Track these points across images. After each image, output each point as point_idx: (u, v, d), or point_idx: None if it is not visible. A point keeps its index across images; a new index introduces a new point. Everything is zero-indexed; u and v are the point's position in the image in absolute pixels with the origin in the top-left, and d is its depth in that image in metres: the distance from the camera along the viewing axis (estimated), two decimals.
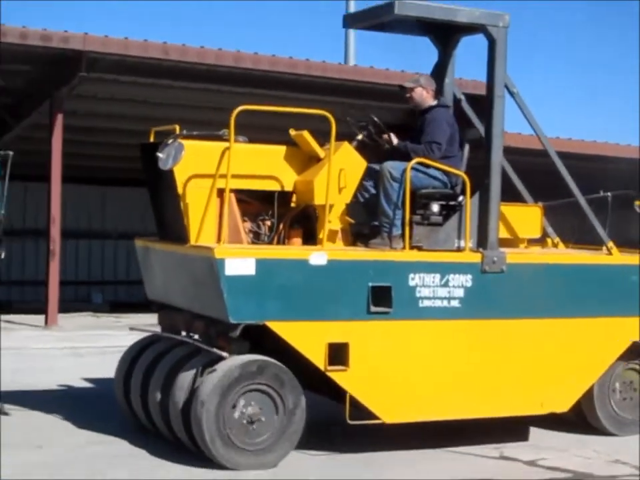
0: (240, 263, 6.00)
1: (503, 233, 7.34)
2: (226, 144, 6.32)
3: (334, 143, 6.32)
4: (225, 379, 5.96)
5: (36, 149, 15.96)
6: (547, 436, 7.40)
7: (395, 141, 6.89)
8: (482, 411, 6.72)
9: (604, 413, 7.33)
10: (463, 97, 7.52)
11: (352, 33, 21.29)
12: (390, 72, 15.27)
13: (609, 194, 7.84)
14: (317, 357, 6.18)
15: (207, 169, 6.34)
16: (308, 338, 6.16)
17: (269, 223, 6.73)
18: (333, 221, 6.65)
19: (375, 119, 6.91)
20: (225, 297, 5.94)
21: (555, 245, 7.82)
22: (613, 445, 7.23)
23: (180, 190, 6.37)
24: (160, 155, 6.18)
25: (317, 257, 6.19)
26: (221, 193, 6.43)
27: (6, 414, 7.46)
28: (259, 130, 7.37)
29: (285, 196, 6.72)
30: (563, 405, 6.99)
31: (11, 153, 7.50)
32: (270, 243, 6.62)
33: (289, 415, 6.14)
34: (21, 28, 13.43)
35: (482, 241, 6.72)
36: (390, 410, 6.43)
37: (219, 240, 6.40)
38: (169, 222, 6.85)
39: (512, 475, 6.44)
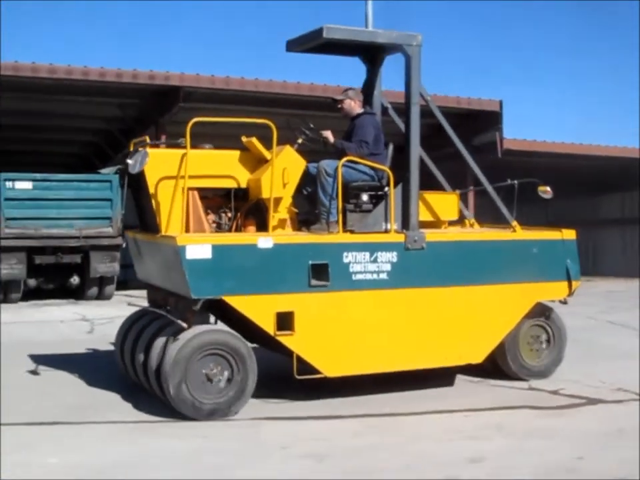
0: (198, 248, 6.72)
1: (426, 217, 8.10)
2: (195, 150, 7.03)
3: (275, 146, 6.96)
4: (185, 346, 6.69)
5: None
6: (561, 371, 8.43)
7: (331, 139, 7.56)
8: (409, 363, 7.51)
9: (514, 363, 8.04)
10: (389, 106, 8.23)
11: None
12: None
13: (515, 182, 8.46)
14: (267, 324, 6.92)
15: (171, 172, 7.02)
16: (259, 308, 6.90)
17: (229, 215, 7.36)
18: (280, 211, 7.37)
19: (311, 125, 7.55)
20: (186, 277, 6.66)
21: (471, 225, 8.48)
22: (615, 376, 8.40)
23: (151, 190, 7.07)
24: (129, 161, 6.84)
25: (264, 241, 6.90)
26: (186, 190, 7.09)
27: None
28: (224, 139, 7.96)
29: (240, 192, 7.40)
30: (477, 356, 7.77)
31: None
32: (229, 231, 7.26)
33: (243, 377, 6.84)
34: (132, 70, 15.97)
35: (405, 224, 7.39)
36: (331, 366, 7.19)
37: (186, 230, 7.03)
38: (146, 216, 7.48)
39: (541, 402, 7.40)
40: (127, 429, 6.54)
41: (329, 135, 7.61)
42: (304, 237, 7.21)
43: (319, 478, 5.37)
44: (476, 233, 8.11)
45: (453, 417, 7.02)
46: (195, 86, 16.18)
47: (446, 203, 8.27)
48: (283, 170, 7.22)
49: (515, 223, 8.04)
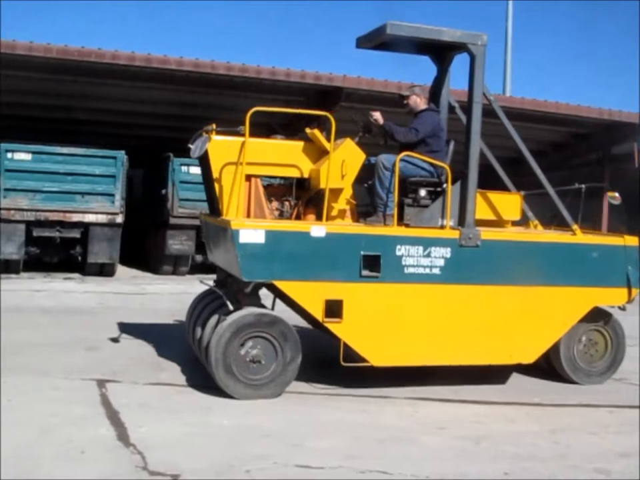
0: (251, 232, 6.51)
1: (487, 215, 7.68)
2: (256, 139, 6.76)
3: (333, 138, 6.61)
4: (231, 326, 6.58)
5: None
6: None
7: (380, 120, 7.23)
8: (458, 359, 7.15)
9: (568, 365, 7.56)
10: (456, 105, 7.76)
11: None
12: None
13: (582, 186, 7.83)
14: (316, 311, 6.67)
15: (235, 158, 6.84)
16: (308, 295, 6.67)
17: (291, 203, 7.07)
18: (339, 202, 7.03)
19: (359, 116, 7.17)
20: (239, 260, 6.42)
21: (535, 227, 7.91)
22: None
23: (215, 174, 6.89)
24: (190, 146, 6.60)
25: (317, 229, 6.62)
26: (249, 177, 6.83)
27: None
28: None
29: (303, 182, 7.09)
30: (528, 357, 7.31)
31: None
32: (289, 219, 6.94)
33: (285, 365, 6.64)
34: (300, 71, 15.62)
35: (461, 221, 6.92)
36: (378, 355, 6.89)
37: (247, 215, 6.77)
38: (212, 200, 7.26)
39: None
40: (296, 399, 6.66)
41: (378, 116, 7.27)
42: (357, 228, 6.92)
43: (477, 459, 5.39)
44: (533, 234, 7.62)
45: (599, 412, 6.88)
46: (356, 87, 15.95)
47: (508, 203, 7.81)
48: (342, 162, 6.94)
49: (575, 227, 7.46)
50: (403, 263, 6.88)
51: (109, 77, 14.84)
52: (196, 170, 14.18)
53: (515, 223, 8.08)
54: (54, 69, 14.46)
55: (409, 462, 5.25)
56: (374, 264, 6.78)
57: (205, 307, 7.61)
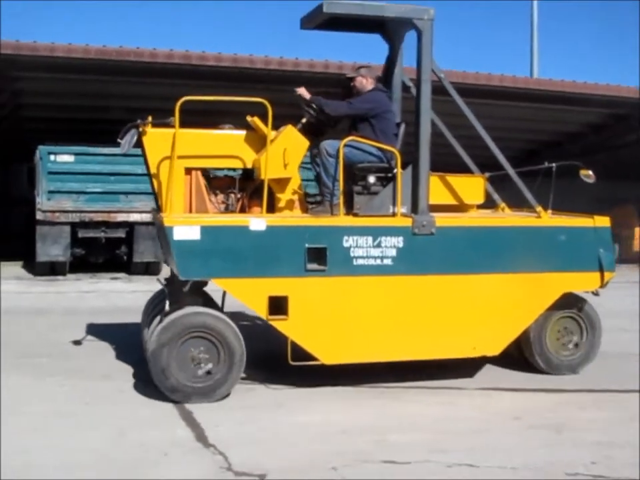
0: (186, 229, 6.03)
1: (448, 200, 7.08)
2: (192, 130, 6.27)
3: (270, 126, 6.10)
4: (165, 328, 6.04)
5: None
6: None
7: (306, 95, 6.66)
8: (416, 353, 6.59)
9: (541, 356, 6.99)
10: (411, 84, 7.10)
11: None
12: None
13: (553, 165, 7.19)
14: (259, 308, 6.19)
15: (170, 152, 6.25)
16: (250, 292, 6.18)
17: (238, 196, 6.59)
18: (286, 193, 6.48)
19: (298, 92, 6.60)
20: (174, 257, 5.90)
21: (502, 210, 7.31)
22: None
23: (152, 169, 6.39)
24: (120, 140, 6.13)
25: (256, 223, 6.08)
26: (189, 171, 6.36)
27: None
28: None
29: (248, 172, 6.54)
30: (493, 349, 6.73)
31: None
32: (233, 212, 6.46)
33: (229, 365, 6.08)
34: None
35: (414, 208, 6.36)
36: (329, 353, 6.37)
37: (190, 210, 6.31)
38: (155, 195, 6.81)
39: None
40: (369, 393, 6.45)
41: (302, 91, 6.65)
42: (300, 219, 6.36)
43: (560, 448, 5.19)
44: (493, 218, 6.97)
45: None
46: None
47: (471, 186, 7.17)
48: (284, 150, 6.35)
49: (539, 209, 6.84)
50: (352, 254, 6.28)
51: (147, 76, 14.22)
52: None
53: (482, 207, 7.53)
54: (92, 70, 13.90)
55: (493, 453, 5.05)
56: (320, 257, 6.20)
57: (155, 306, 7.15)
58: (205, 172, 6.70)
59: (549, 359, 7.01)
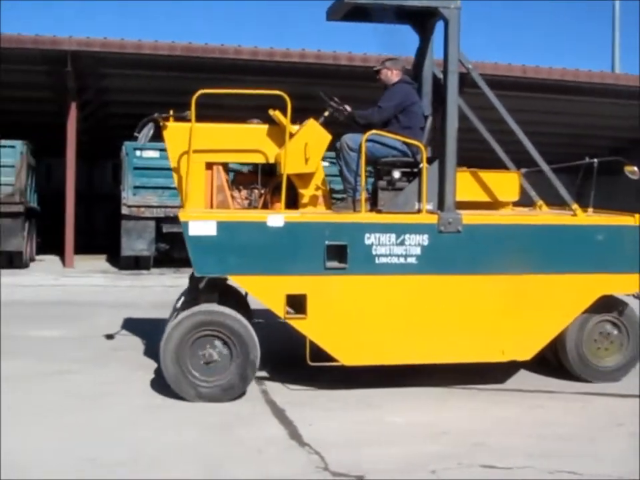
0: (202, 224, 5.82)
1: (483, 197, 6.69)
2: (212, 124, 6.07)
3: (289, 119, 5.88)
4: (178, 326, 5.83)
5: None
6: None
7: (348, 109, 6.32)
8: (441, 356, 6.22)
9: (577, 362, 6.51)
10: (442, 76, 6.70)
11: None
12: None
13: (595, 160, 6.73)
14: (277, 307, 5.93)
15: (193, 146, 6.06)
16: (267, 290, 5.93)
17: (262, 191, 6.36)
18: (309, 188, 6.22)
19: (323, 95, 6.32)
20: (190, 253, 5.70)
21: (540, 207, 6.89)
22: None
23: (173, 164, 6.20)
24: (137, 134, 5.96)
25: (274, 219, 5.84)
26: (210, 165, 6.16)
27: None
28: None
29: (271, 167, 6.30)
30: (524, 354, 6.30)
31: None
32: (256, 208, 6.24)
33: (242, 365, 5.81)
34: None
35: (440, 204, 6.02)
36: (349, 354, 6.07)
37: (211, 206, 6.12)
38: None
39: None
40: (462, 394, 6.21)
41: (345, 106, 6.35)
42: (319, 216, 6.07)
43: None
44: (524, 216, 6.55)
45: None
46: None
47: (505, 183, 6.76)
48: (305, 144, 6.08)
49: (575, 206, 6.40)
50: (374, 252, 5.96)
51: (231, 72, 14.13)
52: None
53: (518, 204, 7.11)
54: (178, 67, 14.10)
55: (596, 461, 4.72)
56: (340, 254, 5.90)
57: (183, 302, 7.01)
58: (229, 167, 6.53)
59: (587, 366, 6.49)
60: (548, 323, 6.28)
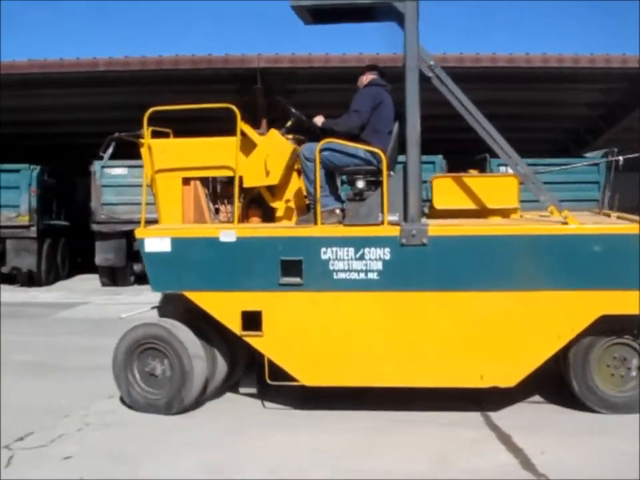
0: (157, 241, 5.59)
1: (476, 204, 5.84)
2: (179, 139, 5.93)
3: (239, 132, 5.46)
4: (125, 338, 5.67)
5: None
6: None
7: (319, 122, 5.72)
8: (409, 380, 5.45)
9: (585, 391, 5.43)
10: (431, 74, 5.85)
11: None
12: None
13: (620, 158, 5.60)
14: (233, 323, 5.53)
15: (163, 162, 5.89)
16: (222, 306, 5.54)
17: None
18: (280, 201, 5.81)
19: (283, 102, 5.80)
20: (147, 270, 5.51)
21: (551, 213, 5.88)
22: None
23: (148, 180, 6.01)
24: (102, 154, 5.86)
25: (226, 234, 5.48)
26: (186, 181, 5.95)
27: None
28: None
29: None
30: (507, 380, 5.36)
31: None
32: (231, 222, 5.93)
33: (183, 376, 5.48)
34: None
35: (405, 215, 5.31)
36: (308, 373, 5.53)
37: (183, 220, 5.91)
38: None
39: None
40: None
41: (318, 119, 5.78)
42: (273, 230, 5.55)
43: None
44: (506, 225, 5.53)
45: None
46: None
47: (503, 188, 5.84)
48: (266, 156, 5.65)
49: (565, 213, 5.33)
50: (331, 267, 5.35)
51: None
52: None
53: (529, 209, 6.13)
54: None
55: None
56: (295, 270, 5.38)
57: None
58: (214, 181, 6.25)
59: (599, 396, 5.37)
60: (534, 346, 5.26)
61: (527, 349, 5.28)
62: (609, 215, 5.90)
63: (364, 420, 5.37)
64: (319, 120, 5.79)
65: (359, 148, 5.52)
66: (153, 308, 5.90)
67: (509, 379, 5.32)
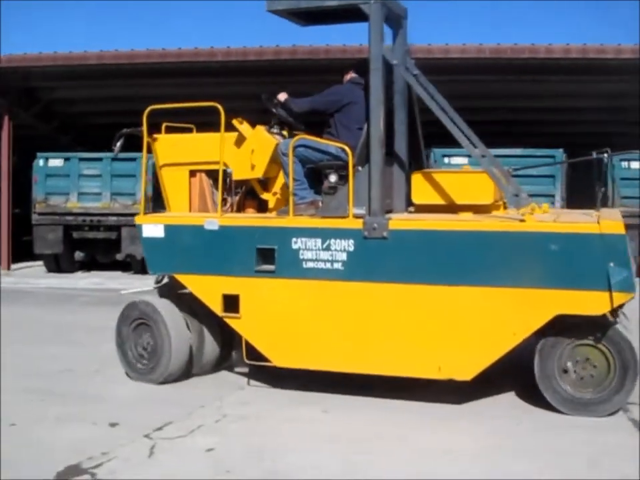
0: (152, 227, 5.98)
1: (453, 199, 5.69)
2: (185, 135, 6.39)
3: (223, 129, 5.76)
4: (122, 314, 6.14)
5: None
6: None
7: (282, 98, 5.88)
8: (371, 367, 5.49)
9: (550, 393, 5.21)
10: (417, 72, 5.86)
11: None
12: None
13: (605, 154, 5.27)
14: (215, 305, 5.84)
15: (171, 156, 6.29)
16: (206, 289, 5.87)
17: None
18: (268, 193, 6.07)
19: (264, 98, 5.93)
20: (144, 253, 5.96)
21: (532, 210, 5.66)
22: None
23: (158, 171, 6.42)
24: (113, 147, 6.33)
25: (210, 223, 5.78)
26: (194, 173, 6.33)
27: None
28: None
29: None
30: (463, 373, 5.27)
31: None
32: (230, 211, 6.24)
33: (159, 344, 5.90)
34: None
35: (368, 209, 5.37)
36: (280, 355, 5.71)
37: (190, 210, 6.30)
38: None
39: None
40: None
41: (281, 96, 5.88)
42: (250, 220, 5.77)
43: None
44: (462, 220, 5.35)
45: None
46: None
47: (479, 184, 5.67)
48: (251, 151, 5.88)
49: (523, 210, 5.12)
50: (301, 256, 5.49)
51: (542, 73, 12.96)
52: (636, 165, 12.31)
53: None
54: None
55: None
56: (269, 258, 5.57)
57: None
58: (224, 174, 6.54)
59: (562, 397, 5.12)
60: (490, 341, 5.12)
61: (482, 344, 5.16)
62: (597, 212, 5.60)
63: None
64: (282, 96, 5.89)
65: (330, 144, 5.63)
66: (155, 287, 6.34)
67: (465, 372, 5.23)
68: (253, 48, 12.67)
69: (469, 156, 11.54)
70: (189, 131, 6.64)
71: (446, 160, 12.46)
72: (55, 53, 12.95)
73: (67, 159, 13.58)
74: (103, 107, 15.59)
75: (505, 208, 5.93)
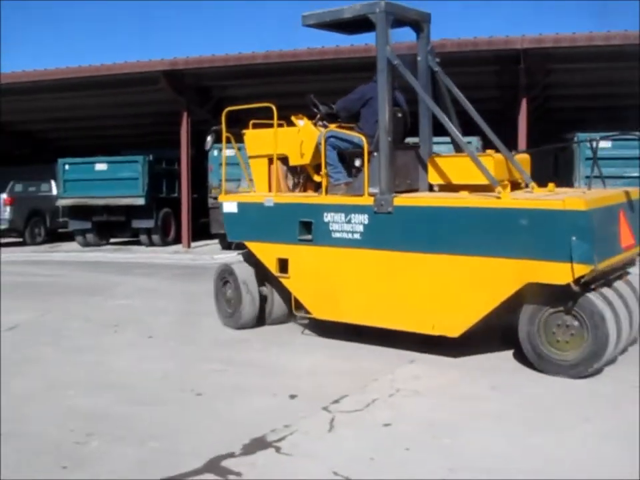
0: (229, 204, 7.18)
1: (460, 180, 6.17)
2: (260, 130, 7.39)
3: (276, 124, 6.75)
4: (215, 274, 7.40)
5: None
6: None
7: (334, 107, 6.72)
8: (385, 322, 6.22)
9: (534, 355, 5.57)
10: (438, 68, 6.41)
11: None
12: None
13: (596, 139, 5.37)
14: (272, 267, 6.91)
15: (255, 147, 7.40)
16: (266, 254, 6.95)
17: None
18: (319, 176, 6.96)
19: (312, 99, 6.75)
20: (225, 225, 7.23)
21: (532, 189, 5.99)
22: None
23: (249, 160, 7.59)
24: (206, 141, 7.56)
25: (268, 201, 6.85)
26: (271, 160, 7.43)
27: None
28: None
29: None
30: (452, 330, 5.82)
31: None
32: (296, 191, 7.23)
33: (239, 302, 7.06)
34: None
35: (380, 188, 6.11)
36: (318, 309, 6.66)
37: (269, 190, 7.42)
38: None
39: None
40: None
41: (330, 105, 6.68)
42: (295, 198, 6.71)
43: None
44: (450, 198, 5.73)
45: None
46: None
47: (472, 166, 6.01)
48: (301, 142, 6.81)
49: (499, 189, 5.44)
50: (330, 228, 6.34)
51: None
52: None
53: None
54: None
55: None
56: (308, 229, 6.51)
57: None
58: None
59: (542, 357, 5.45)
60: (473, 303, 5.58)
61: (466, 306, 5.65)
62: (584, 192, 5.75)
63: None
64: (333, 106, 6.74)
65: (352, 135, 6.40)
66: (238, 254, 7.58)
67: (454, 329, 5.76)
68: None
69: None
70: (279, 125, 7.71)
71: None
72: (226, 55, 14.27)
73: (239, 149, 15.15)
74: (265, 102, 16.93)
75: (526, 186, 6.27)
